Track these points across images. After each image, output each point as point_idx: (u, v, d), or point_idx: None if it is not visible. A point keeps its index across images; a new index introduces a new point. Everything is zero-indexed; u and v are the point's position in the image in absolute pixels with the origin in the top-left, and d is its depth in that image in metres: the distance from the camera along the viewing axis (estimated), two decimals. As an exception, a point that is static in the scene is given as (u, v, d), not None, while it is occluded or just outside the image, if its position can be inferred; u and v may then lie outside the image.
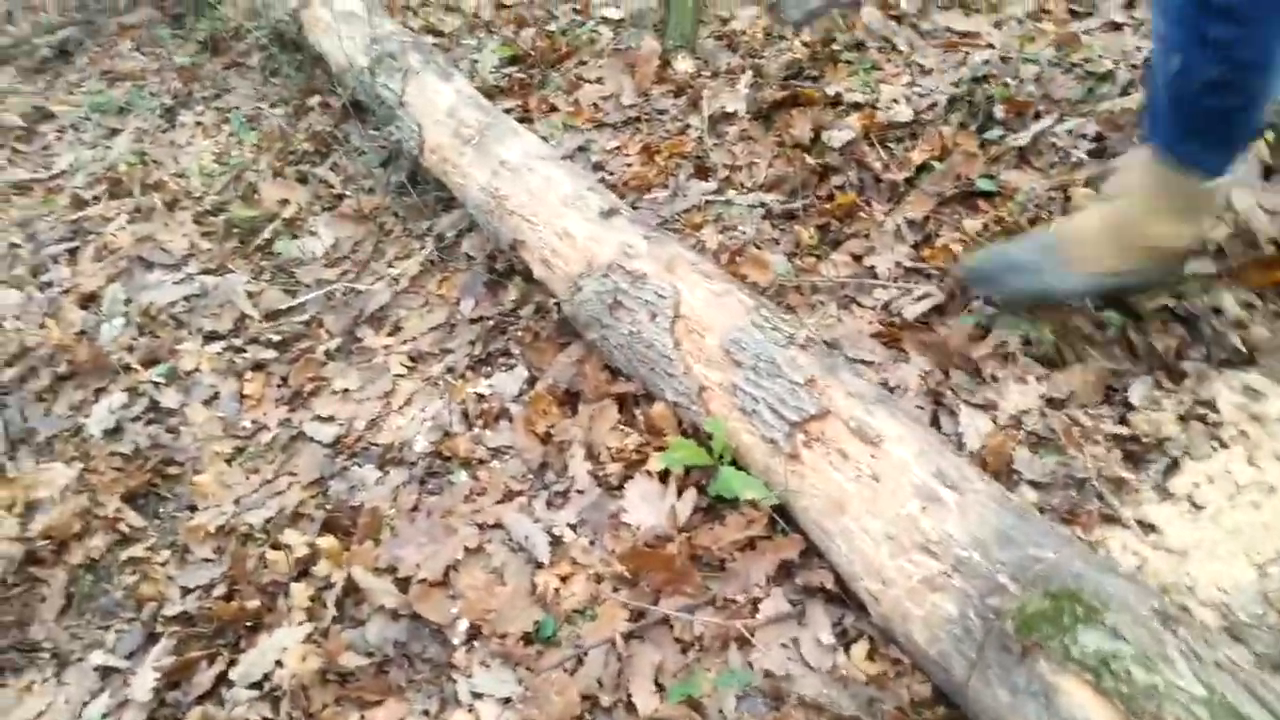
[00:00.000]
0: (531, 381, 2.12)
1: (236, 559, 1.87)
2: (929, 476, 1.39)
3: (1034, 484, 1.66)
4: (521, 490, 1.90)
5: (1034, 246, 1.82)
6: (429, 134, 2.59)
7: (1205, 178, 1.61)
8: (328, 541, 1.83)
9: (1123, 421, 1.74)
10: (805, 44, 2.86)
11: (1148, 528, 1.56)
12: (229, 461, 2.19)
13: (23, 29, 4.75)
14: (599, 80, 3.14)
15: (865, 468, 1.46)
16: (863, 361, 1.91)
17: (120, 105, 3.81)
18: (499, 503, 1.87)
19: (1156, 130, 1.63)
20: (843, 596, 1.54)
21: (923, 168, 2.32)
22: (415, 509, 1.91)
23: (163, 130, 3.59)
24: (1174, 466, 1.64)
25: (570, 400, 2.04)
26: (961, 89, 2.45)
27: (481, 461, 1.99)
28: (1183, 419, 1.70)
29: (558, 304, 2.17)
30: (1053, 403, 1.79)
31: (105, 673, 1.80)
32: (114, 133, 3.67)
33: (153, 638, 1.83)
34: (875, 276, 2.11)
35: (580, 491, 1.84)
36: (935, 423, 1.80)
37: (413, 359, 2.33)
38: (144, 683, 1.70)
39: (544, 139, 2.68)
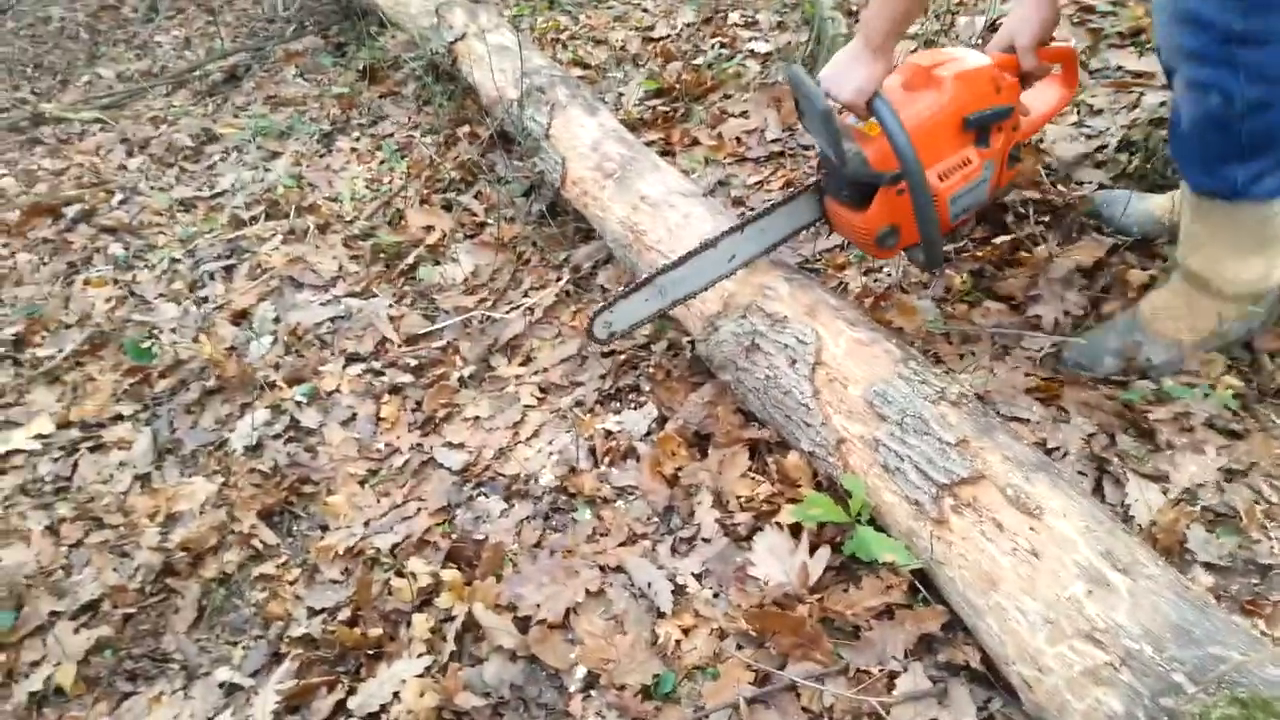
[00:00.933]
0: (661, 421, 2.07)
1: (362, 584, 1.87)
2: (1096, 556, 1.27)
3: (1210, 566, 1.51)
4: (645, 534, 1.84)
5: (1125, 327, 1.83)
6: (571, 167, 2.59)
7: (1268, 200, 1.58)
8: (451, 574, 1.81)
9: (1313, 502, 1.56)
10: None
11: (1346, 628, 1.38)
12: (362, 483, 2.22)
13: (198, 54, 5.05)
14: (743, 114, 3.08)
15: (1023, 541, 1.34)
16: (1018, 419, 1.78)
17: (281, 129, 3.98)
18: (622, 545, 1.82)
19: (1203, 173, 1.61)
20: (989, 678, 1.42)
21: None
22: (538, 545, 1.88)
23: (319, 155, 3.73)
24: (1376, 559, 1.46)
25: (700, 443, 1.97)
26: (1135, 131, 2.29)
27: (606, 500, 1.94)
28: (1387, 505, 1.51)
29: (691, 342, 2.11)
30: (1232, 476, 1.63)
31: (230, 690, 1.83)
32: (274, 155, 3.84)
33: (277, 657, 1.85)
34: (1039, 327, 1.97)
35: (706, 540, 1.77)
36: (1098, 491, 1.66)
37: (543, 390, 2.31)
38: (265, 704, 1.71)
39: (685, 173, 2.64)
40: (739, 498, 1.80)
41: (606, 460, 2.02)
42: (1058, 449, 1.74)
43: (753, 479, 1.82)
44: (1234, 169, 1.55)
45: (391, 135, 3.68)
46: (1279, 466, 1.62)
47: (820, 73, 1.71)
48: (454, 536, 1.96)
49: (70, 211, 3.66)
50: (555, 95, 2.81)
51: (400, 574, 1.90)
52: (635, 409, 2.13)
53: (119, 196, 3.86)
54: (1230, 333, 1.76)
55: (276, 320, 2.80)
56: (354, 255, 3.02)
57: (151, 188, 3.86)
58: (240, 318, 2.88)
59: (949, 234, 1.85)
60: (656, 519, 1.86)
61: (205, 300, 3.01)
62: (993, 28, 3.01)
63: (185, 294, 3.07)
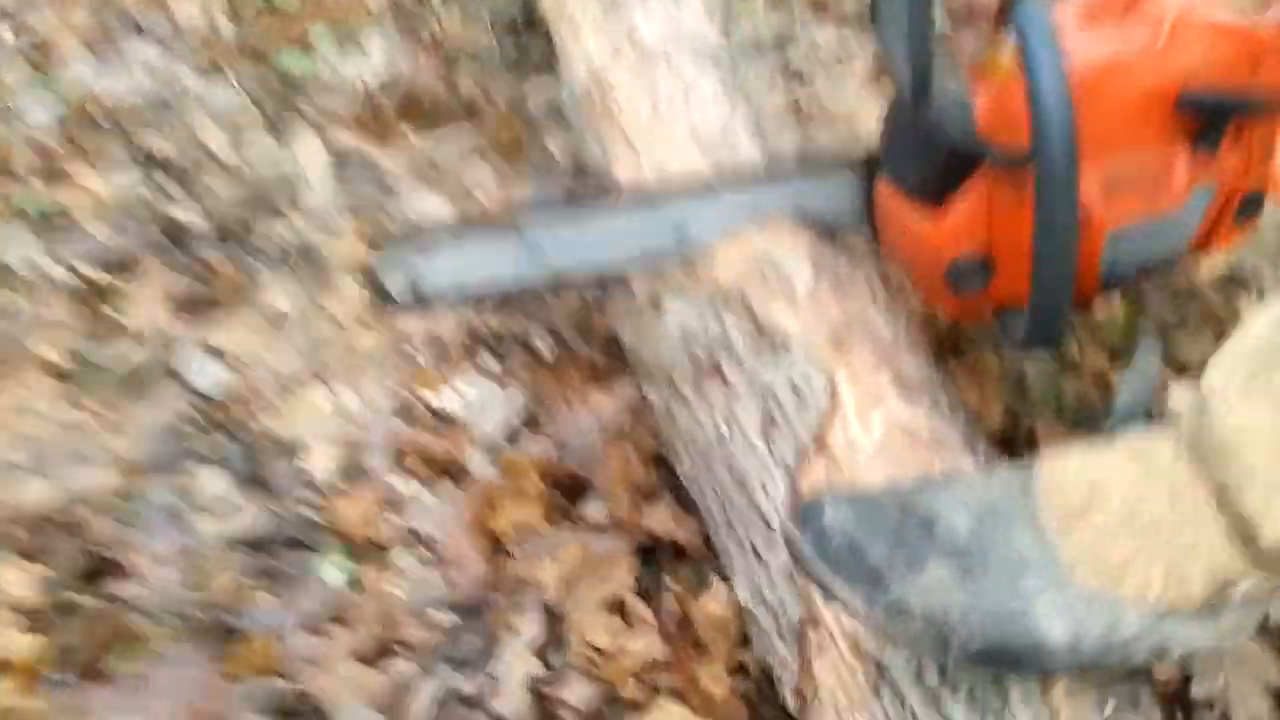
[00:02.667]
0: (528, 421, 1.19)
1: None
2: None
3: None
4: (413, 646, 0.98)
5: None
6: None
7: None
8: (26, 640, 0.96)
9: None
10: None
11: None
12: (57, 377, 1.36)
13: None
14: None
15: None
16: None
17: None
18: (362, 661, 0.97)
19: None
20: None
21: None
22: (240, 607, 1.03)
23: None
24: None
25: (571, 489, 1.10)
26: None
27: (381, 548, 1.08)
28: None
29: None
30: None
31: None
32: None
33: None
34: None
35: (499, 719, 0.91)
36: None
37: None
38: None
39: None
40: (592, 647, 0.92)
41: (411, 466, 1.16)
42: None
43: (628, 616, 0.95)
44: None
45: None
46: None
47: None
48: (102, 545, 1.12)
49: None
50: None
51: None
52: (499, 385, 1.25)
53: None
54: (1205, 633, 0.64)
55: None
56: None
57: None
58: (44, 53, 1.97)
59: (1084, 304, 0.92)
60: (443, 623, 1.00)
61: (11, 16, 2.08)
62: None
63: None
